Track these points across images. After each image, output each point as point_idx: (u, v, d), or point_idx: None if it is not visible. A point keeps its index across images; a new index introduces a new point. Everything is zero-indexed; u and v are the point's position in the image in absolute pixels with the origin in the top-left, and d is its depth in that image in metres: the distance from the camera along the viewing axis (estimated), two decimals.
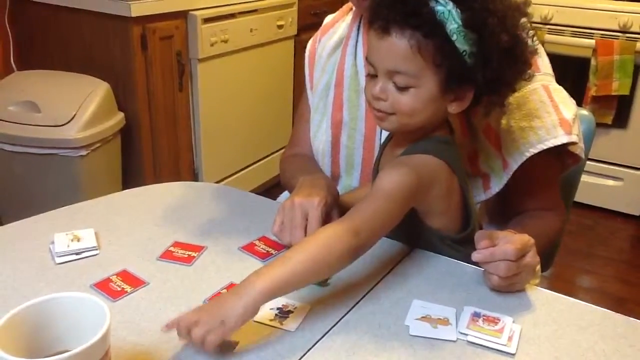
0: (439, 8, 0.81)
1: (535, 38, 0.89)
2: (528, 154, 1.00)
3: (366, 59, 0.90)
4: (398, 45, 0.84)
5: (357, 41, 1.14)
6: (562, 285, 2.38)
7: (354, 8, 1.15)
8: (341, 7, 1.24)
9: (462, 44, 0.82)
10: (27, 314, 0.64)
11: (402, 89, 0.86)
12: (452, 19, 0.81)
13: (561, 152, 1.05)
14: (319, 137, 1.19)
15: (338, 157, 1.16)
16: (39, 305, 0.65)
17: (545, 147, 1.00)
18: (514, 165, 1.01)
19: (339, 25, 1.20)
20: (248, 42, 2.46)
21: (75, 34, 2.15)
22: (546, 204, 1.10)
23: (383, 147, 1.02)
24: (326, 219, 0.94)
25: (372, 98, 0.89)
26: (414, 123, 0.89)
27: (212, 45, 2.27)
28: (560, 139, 1.00)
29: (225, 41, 2.33)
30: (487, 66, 0.84)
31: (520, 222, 1.06)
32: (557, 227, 1.10)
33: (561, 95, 1.06)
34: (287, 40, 2.66)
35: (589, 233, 2.76)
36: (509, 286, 0.86)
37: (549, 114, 1.01)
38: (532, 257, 0.86)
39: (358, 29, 1.15)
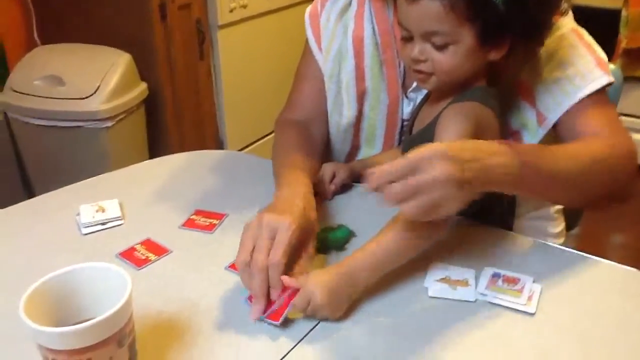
0: None
1: None
2: (566, 106, 0.95)
3: (399, 23, 0.89)
4: (430, 8, 0.83)
5: (370, 7, 1.10)
6: (591, 243, 2.33)
7: None
8: None
9: None
10: (53, 284, 0.66)
11: (440, 48, 0.85)
12: None
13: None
14: (339, 110, 1.14)
15: (359, 127, 1.14)
16: (63, 275, 0.67)
17: (584, 95, 0.94)
18: (553, 118, 0.97)
19: None
20: (267, 7, 2.43)
21: (95, 6, 2.15)
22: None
23: (420, 106, 1.01)
24: (298, 248, 0.82)
25: (412, 61, 0.89)
26: (456, 79, 0.89)
27: (231, 11, 2.26)
28: (600, 80, 0.94)
29: (245, 6, 2.31)
30: (522, 11, 0.82)
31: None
32: (597, 148, 0.90)
33: (590, 37, 1.01)
34: (307, 3, 2.62)
35: None
36: (423, 212, 0.70)
37: (582, 57, 0.96)
38: (441, 169, 0.68)
39: None
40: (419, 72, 0.89)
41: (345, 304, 0.77)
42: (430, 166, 0.68)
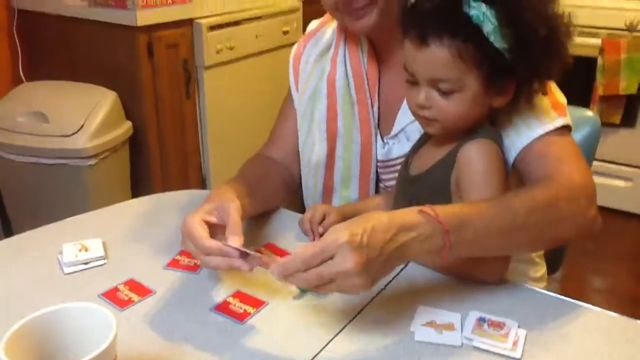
0: (473, 12, 0.82)
1: (571, 20, 0.88)
2: (519, 147, 0.94)
3: (405, 67, 0.90)
4: (438, 55, 0.85)
5: (345, 51, 1.13)
6: (574, 286, 2.36)
7: None
8: None
9: (500, 43, 0.83)
10: (35, 324, 0.65)
11: (446, 94, 0.87)
12: (487, 21, 0.82)
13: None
14: (310, 147, 1.16)
15: (333, 169, 1.14)
16: (46, 315, 0.66)
17: (536, 136, 0.93)
18: (510, 160, 0.96)
19: (324, 30, 1.19)
20: (254, 49, 2.47)
21: (82, 44, 2.17)
22: None
23: (418, 146, 1.01)
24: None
25: (416, 107, 0.90)
26: (461, 124, 0.90)
27: (218, 52, 2.29)
28: (554, 123, 0.93)
29: (231, 48, 2.34)
30: (527, 59, 0.85)
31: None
32: (539, 195, 0.86)
33: (552, 82, 1.00)
34: (292, 47, 2.66)
35: (600, 234, 2.72)
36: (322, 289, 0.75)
37: (539, 100, 0.95)
38: (340, 262, 0.71)
39: (345, 40, 1.14)
40: (423, 117, 0.90)
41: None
42: (336, 257, 0.71)
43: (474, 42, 0.83)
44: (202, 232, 0.84)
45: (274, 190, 1.14)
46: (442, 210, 0.78)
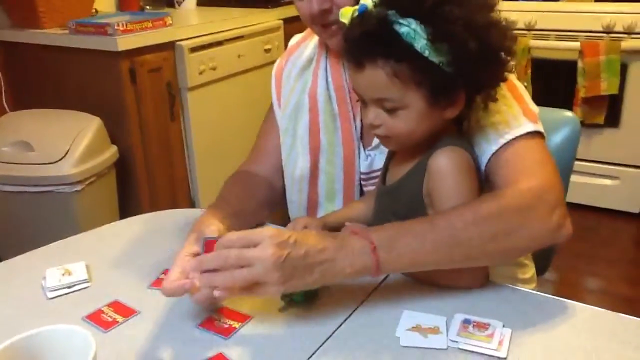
0: (403, 30, 0.81)
1: (509, 24, 0.87)
2: (489, 154, 0.93)
3: (352, 89, 0.91)
4: (374, 76, 0.85)
5: (326, 65, 1.14)
6: (567, 288, 2.37)
7: None
8: None
9: (435, 57, 0.82)
10: (17, 348, 0.64)
11: (391, 112, 0.87)
12: (419, 37, 0.81)
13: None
14: (293, 162, 1.15)
15: (317, 183, 1.14)
16: (28, 339, 0.65)
17: (504, 142, 0.91)
18: (481, 166, 0.94)
19: (306, 45, 1.20)
20: (236, 68, 2.49)
21: (65, 72, 2.18)
22: None
23: (387, 163, 1.02)
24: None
25: (369, 126, 0.91)
26: (415, 138, 0.90)
27: (200, 73, 2.30)
28: (524, 127, 0.92)
29: (214, 69, 2.35)
30: (466, 70, 0.84)
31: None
32: (491, 204, 0.85)
33: (525, 91, 1.00)
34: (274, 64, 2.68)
35: (591, 234, 2.75)
36: (240, 282, 0.77)
37: (509, 107, 0.94)
38: (261, 249, 0.76)
39: (326, 53, 1.14)
40: (377, 135, 0.91)
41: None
42: (259, 245, 0.76)
43: (408, 59, 0.82)
44: (173, 273, 0.85)
45: (257, 207, 1.14)
46: (374, 230, 0.83)
